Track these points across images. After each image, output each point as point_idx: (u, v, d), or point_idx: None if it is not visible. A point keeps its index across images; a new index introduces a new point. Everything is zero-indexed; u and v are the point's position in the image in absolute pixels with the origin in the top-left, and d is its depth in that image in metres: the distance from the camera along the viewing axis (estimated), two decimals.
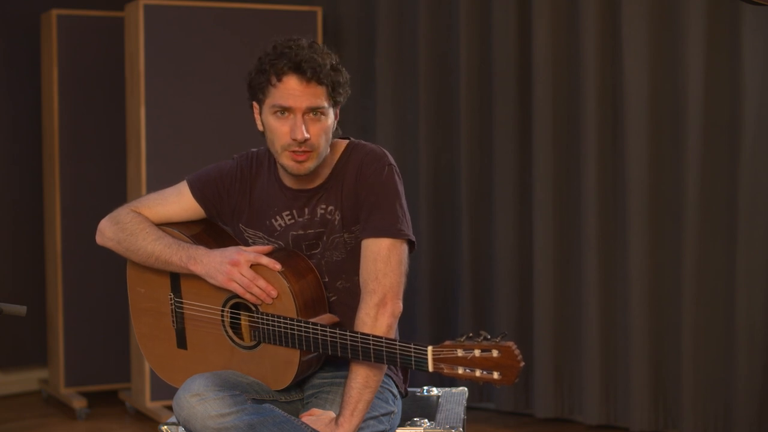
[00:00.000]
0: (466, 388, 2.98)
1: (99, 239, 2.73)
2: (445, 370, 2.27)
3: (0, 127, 5.00)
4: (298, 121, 2.47)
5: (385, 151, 2.58)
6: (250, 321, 2.54)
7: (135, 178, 4.44)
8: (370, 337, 2.36)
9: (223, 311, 2.56)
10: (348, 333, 2.38)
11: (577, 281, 4.31)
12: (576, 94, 4.27)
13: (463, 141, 4.56)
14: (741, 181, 3.90)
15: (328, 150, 2.55)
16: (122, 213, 2.70)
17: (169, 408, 4.34)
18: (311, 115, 2.48)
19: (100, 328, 4.79)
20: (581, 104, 4.23)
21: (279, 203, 2.61)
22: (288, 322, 2.44)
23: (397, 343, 2.33)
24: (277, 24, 4.50)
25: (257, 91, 2.55)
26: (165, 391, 4.37)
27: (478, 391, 4.61)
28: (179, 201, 2.69)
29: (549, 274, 4.35)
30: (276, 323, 2.46)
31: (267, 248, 2.54)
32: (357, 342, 2.37)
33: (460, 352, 2.25)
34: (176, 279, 2.64)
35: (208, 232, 2.70)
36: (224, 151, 4.21)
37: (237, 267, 2.48)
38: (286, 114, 2.49)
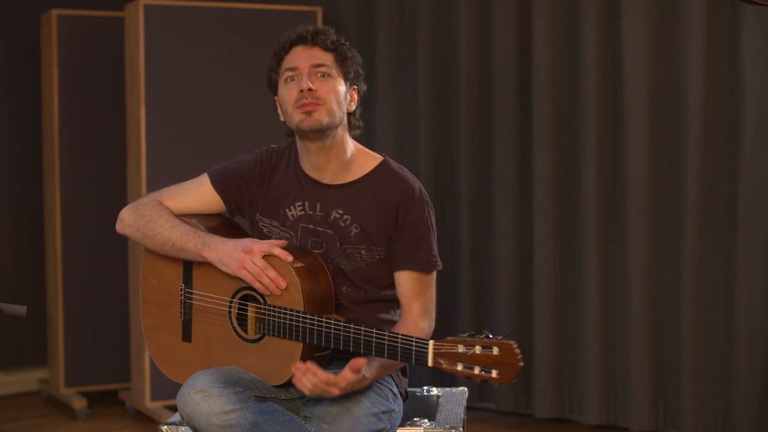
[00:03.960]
0: (466, 388, 2.98)
1: (119, 226, 2.75)
2: (444, 366, 2.28)
3: (0, 127, 5.00)
4: (304, 77, 2.58)
5: (417, 182, 2.66)
6: (256, 313, 2.55)
7: (135, 178, 4.44)
8: (373, 330, 2.38)
9: (231, 302, 2.58)
10: (352, 326, 2.40)
11: (577, 281, 4.31)
12: (576, 94, 4.27)
13: (463, 141, 4.56)
14: (741, 181, 3.90)
15: (344, 118, 2.61)
16: (143, 201, 2.74)
17: (169, 408, 4.34)
18: (318, 75, 2.58)
19: (100, 328, 4.79)
20: (581, 104, 4.23)
21: (294, 193, 2.64)
22: (294, 314, 2.46)
23: (400, 335, 2.35)
24: (277, 24, 4.50)
25: (272, 73, 2.67)
26: (165, 391, 4.37)
27: (479, 391, 4.62)
28: (200, 192, 2.73)
29: (549, 274, 4.35)
30: (282, 315, 2.48)
31: (281, 242, 2.56)
32: (360, 334, 2.39)
33: (460, 348, 2.26)
34: (189, 270, 2.66)
35: (225, 226, 2.73)
36: (224, 151, 4.22)
37: (250, 255, 2.50)
38: (294, 77, 2.59)
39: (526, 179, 4.44)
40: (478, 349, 2.24)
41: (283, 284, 2.49)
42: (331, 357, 2.58)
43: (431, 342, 2.30)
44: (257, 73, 4.44)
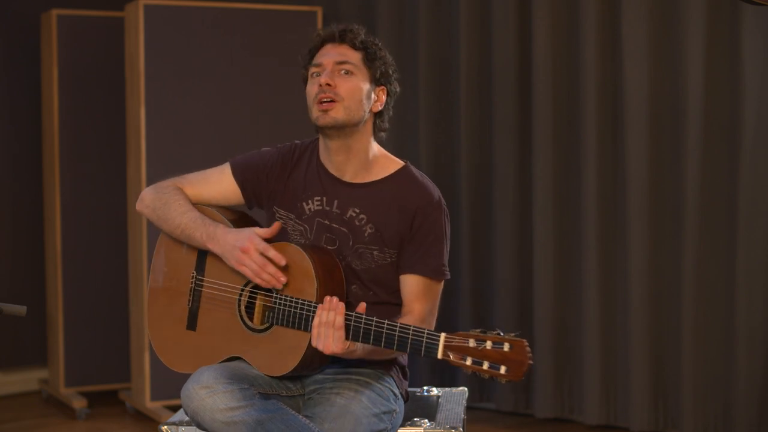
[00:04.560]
0: (465, 389, 2.98)
1: (138, 205, 2.78)
2: (452, 358, 2.29)
3: (0, 127, 5.00)
4: (326, 72, 2.59)
5: (437, 191, 2.65)
6: (265, 302, 2.57)
7: (135, 178, 4.44)
8: (384, 321, 2.39)
9: (242, 290, 2.59)
10: (363, 316, 2.41)
11: (577, 281, 4.31)
12: (576, 94, 4.27)
13: (463, 141, 4.56)
14: (741, 181, 3.90)
15: (365, 117, 2.61)
16: (164, 184, 2.76)
17: (169, 408, 4.34)
18: (341, 72, 2.59)
19: (100, 328, 4.79)
20: (581, 104, 4.23)
21: (314, 187, 2.66)
22: (306, 303, 2.48)
23: (411, 327, 2.36)
24: (277, 24, 4.50)
25: (303, 70, 2.67)
26: (165, 391, 4.37)
27: (479, 391, 4.62)
28: (220, 181, 2.75)
29: (549, 274, 4.35)
30: (294, 305, 2.49)
31: (274, 229, 2.56)
32: (371, 325, 2.40)
33: (471, 343, 2.27)
34: (203, 258, 2.67)
35: (244, 220, 2.75)
36: (224, 151, 4.21)
37: (247, 254, 2.52)
38: (319, 73, 2.61)
39: (526, 179, 4.44)
40: (488, 345, 2.26)
41: (283, 279, 2.51)
42: (334, 358, 2.58)
43: (443, 334, 2.32)
44: (257, 73, 4.50)
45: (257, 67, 4.48)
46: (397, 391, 2.62)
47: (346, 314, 2.42)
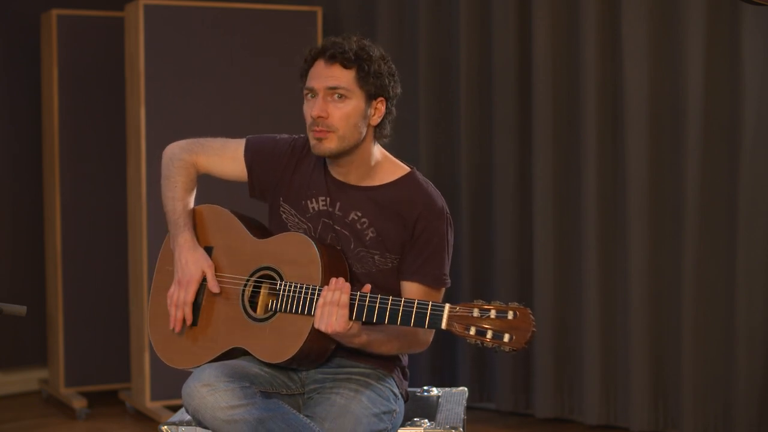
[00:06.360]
0: (465, 388, 2.98)
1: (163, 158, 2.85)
2: (457, 328, 2.32)
3: (0, 127, 5.00)
4: (319, 100, 2.55)
5: (441, 198, 2.65)
6: (270, 290, 2.58)
7: (135, 178, 4.44)
8: (389, 298, 2.42)
9: (247, 281, 2.61)
10: (368, 294, 2.43)
11: (577, 281, 4.31)
12: (576, 94, 4.27)
13: (463, 141, 4.56)
14: (741, 181, 3.90)
15: (362, 135, 2.60)
16: (179, 155, 2.81)
17: (169, 408, 4.34)
18: (334, 97, 2.56)
19: (100, 328, 4.79)
20: (581, 104, 4.23)
21: (318, 187, 2.66)
22: (310, 287, 2.49)
23: (416, 301, 2.39)
24: (277, 24, 4.50)
25: (301, 81, 2.65)
26: (165, 391, 4.37)
27: (479, 391, 4.62)
28: (233, 158, 2.76)
29: (549, 274, 4.35)
30: (299, 290, 2.51)
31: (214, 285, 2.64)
32: (375, 302, 2.42)
33: (476, 312, 2.30)
34: (208, 254, 2.69)
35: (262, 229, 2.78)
36: None
37: (185, 286, 2.62)
38: (312, 95, 2.58)
39: (526, 179, 4.44)
40: (493, 313, 2.29)
41: (179, 327, 2.62)
42: (335, 350, 2.59)
43: (447, 305, 2.34)
44: (257, 73, 4.50)
45: (257, 67, 4.48)
46: (397, 391, 2.63)
47: (351, 294, 2.43)
